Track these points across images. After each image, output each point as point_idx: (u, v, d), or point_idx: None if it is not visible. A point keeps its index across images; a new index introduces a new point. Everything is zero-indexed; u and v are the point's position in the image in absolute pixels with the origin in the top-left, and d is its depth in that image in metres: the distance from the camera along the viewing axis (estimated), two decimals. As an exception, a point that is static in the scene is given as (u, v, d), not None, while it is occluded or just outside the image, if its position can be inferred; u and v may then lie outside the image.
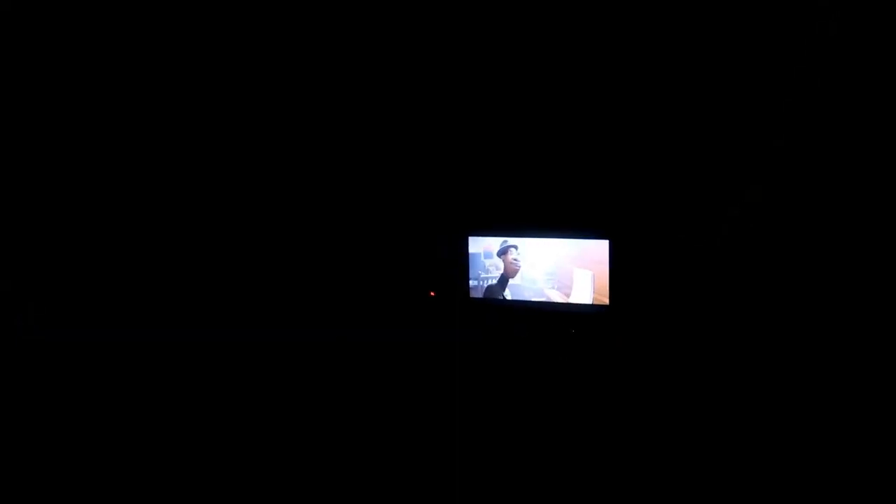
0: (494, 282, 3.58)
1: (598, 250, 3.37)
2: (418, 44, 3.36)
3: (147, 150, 3.49)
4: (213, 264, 3.52)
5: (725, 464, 2.90)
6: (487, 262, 3.59)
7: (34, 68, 3.37)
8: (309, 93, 3.46)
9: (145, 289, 3.49)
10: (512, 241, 3.56)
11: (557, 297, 3.48)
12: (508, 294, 3.55)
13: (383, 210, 3.52)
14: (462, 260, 3.59)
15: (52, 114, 3.42)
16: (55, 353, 3.36)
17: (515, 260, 3.54)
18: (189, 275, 3.51)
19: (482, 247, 3.58)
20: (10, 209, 3.39)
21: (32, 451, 3.14)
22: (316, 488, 2.97)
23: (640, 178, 3.32)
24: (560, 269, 3.48)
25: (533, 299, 3.49)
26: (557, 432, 3.08)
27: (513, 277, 3.55)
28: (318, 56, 3.42)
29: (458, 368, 3.25)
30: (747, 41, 2.93)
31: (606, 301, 3.36)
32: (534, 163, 3.49)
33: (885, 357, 2.88)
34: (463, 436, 3.08)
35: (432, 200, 3.54)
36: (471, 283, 3.57)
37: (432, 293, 3.58)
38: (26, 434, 3.19)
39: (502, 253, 3.57)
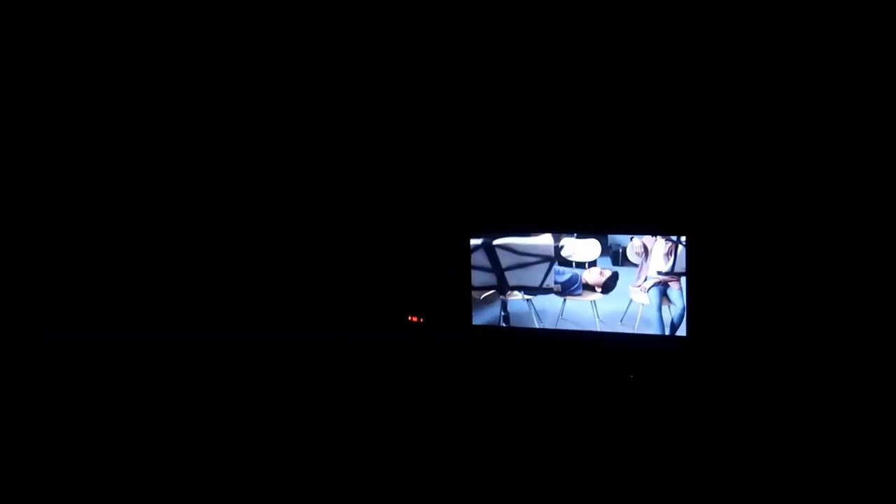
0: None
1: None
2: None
3: (147, 149, 3.48)
4: (213, 264, 3.52)
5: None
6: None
7: (34, 68, 3.36)
8: (305, 89, 3.45)
9: (145, 289, 3.48)
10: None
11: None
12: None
13: (384, 205, 3.48)
14: (463, 268, 3.21)
15: (53, 114, 3.41)
16: (55, 353, 3.35)
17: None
18: (189, 275, 3.50)
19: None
20: (10, 209, 3.38)
21: (32, 451, 3.15)
22: (315, 489, 2.98)
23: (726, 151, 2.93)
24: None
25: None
26: (563, 442, 3.00)
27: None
28: (314, 51, 3.41)
29: (458, 371, 3.22)
30: (747, 41, 2.91)
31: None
32: (569, 126, 3.13)
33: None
34: (462, 438, 3.06)
35: (435, 191, 3.40)
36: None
37: (413, 318, 3.29)
38: (26, 434, 3.19)
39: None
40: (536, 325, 3.22)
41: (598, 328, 3.15)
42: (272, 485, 3.05)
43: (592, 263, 3.15)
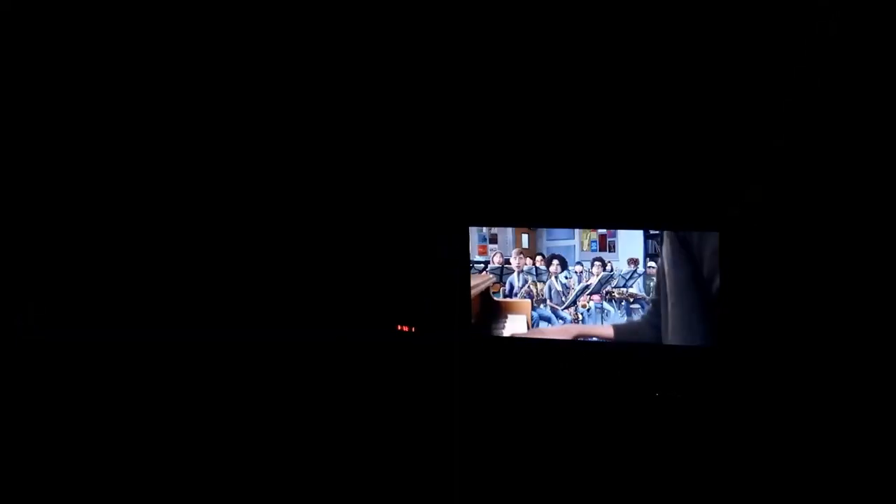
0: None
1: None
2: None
3: (146, 150, 3.47)
4: (212, 264, 3.48)
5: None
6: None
7: (34, 68, 3.37)
8: (300, 87, 3.39)
9: (145, 289, 3.47)
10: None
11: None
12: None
13: (382, 201, 3.38)
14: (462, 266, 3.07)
15: (53, 114, 3.42)
16: (55, 353, 3.36)
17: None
18: (188, 275, 3.48)
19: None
20: (10, 209, 3.42)
21: (33, 450, 3.16)
22: (314, 489, 2.95)
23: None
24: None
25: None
26: (570, 462, 2.84)
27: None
28: (310, 49, 3.36)
29: (457, 372, 3.11)
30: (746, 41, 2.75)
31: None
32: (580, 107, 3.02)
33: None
34: (462, 439, 2.96)
35: (433, 182, 3.30)
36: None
37: (404, 328, 3.15)
38: (26, 434, 3.21)
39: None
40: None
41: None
42: (271, 485, 3.01)
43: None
